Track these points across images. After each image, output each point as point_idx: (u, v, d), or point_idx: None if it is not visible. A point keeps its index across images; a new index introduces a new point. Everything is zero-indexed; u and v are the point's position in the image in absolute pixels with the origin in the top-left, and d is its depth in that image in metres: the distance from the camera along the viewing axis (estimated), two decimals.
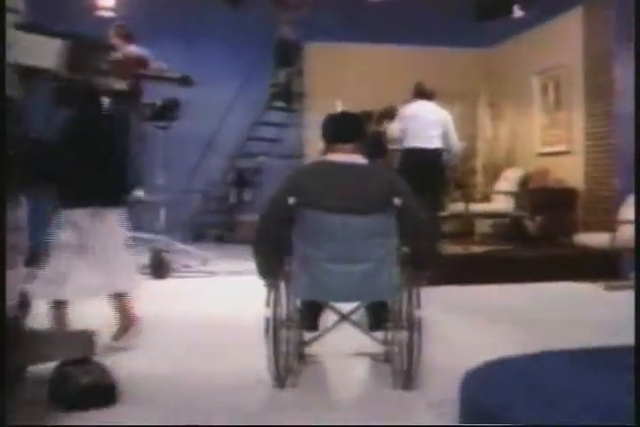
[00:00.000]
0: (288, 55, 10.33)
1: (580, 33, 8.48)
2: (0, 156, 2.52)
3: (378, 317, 3.33)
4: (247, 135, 10.92)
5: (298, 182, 2.93)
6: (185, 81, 6.57)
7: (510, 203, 8.02)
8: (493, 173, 9.77)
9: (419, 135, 7.10)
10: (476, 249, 7.55)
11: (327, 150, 3.11)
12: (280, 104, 10.88)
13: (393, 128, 7.39)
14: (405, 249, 2.97)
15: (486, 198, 8.61)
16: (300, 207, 2.84)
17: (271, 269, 3.03)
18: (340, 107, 8.84)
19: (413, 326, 2.94)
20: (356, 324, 3.35)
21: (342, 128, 3.10)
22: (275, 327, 2.99)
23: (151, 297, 4.74)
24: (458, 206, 8.17)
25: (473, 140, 10.19)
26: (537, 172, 8.87)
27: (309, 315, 3.26)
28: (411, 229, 2.93)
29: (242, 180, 10.96)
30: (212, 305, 5.64)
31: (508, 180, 8.28)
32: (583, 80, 8.50)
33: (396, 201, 2.83)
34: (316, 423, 2.77)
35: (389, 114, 8.74)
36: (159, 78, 6.63)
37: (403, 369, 3.11)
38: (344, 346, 3.83)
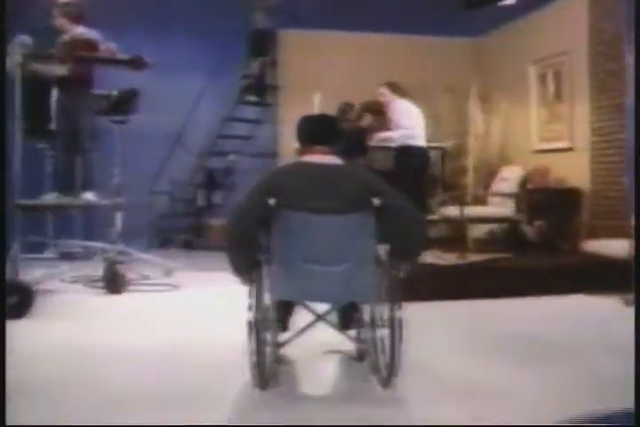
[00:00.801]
0: (262, 44, 9.50)
1: (586, 16, 7.65)
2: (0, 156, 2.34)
3: (348, 317, 3.40)
4: (217, 132, 9.94)
5: (277, 183, 2.86)
6: (136, 63, 5.61)
7: (509, 206, 7.12)
8: (487, 172, 8.97)
9: (419, 133, 6.81)
10: (473, 258, 6.66)
11: (302, 152, 3.09)
12: (253, 98, 9.92)
13: (400, 124, 6.71)
14: (389, 247, 2.92)
15: (480, 201, 7.70)
16: (280, 208, 2.79)
17: (247, 265, 2.97)
18: (318, 100, 8.25)
19: (394, 325, 2.92)
20: (331, 323, 3.36)
21: (317, 130, 3.11)
22: (257, 329, 2.95)
23: (96, 318, 3.91)
24: (448, 210, 7.24)
25: (463, 136, 9.44)
26: (536, 170, 8.03)
27: (281, 315, 3.25)
28: (399, 228, 2.88)
29: (212, 180, 10.04)
30: (172, 328, 4.73)
31: (506, 180, 7.41)
32: (588, 69, 7.69)
33: (375, 201, 2.78)
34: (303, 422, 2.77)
35: (372, 108, 8.17)
36: (106, 61, 5.69)
37: (381, 368, 3.17)
38: (316, 345, 3.75)
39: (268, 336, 3.07)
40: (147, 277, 6.78)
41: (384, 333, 3.03)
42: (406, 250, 3.01)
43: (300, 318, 3.56)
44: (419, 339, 3.59)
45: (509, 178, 7.35)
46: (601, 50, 7.43)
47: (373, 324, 3.18)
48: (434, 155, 8.44)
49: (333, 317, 3.51)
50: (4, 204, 4.38)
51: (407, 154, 6.65)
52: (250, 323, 2.94)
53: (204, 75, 9.63)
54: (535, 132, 8.69)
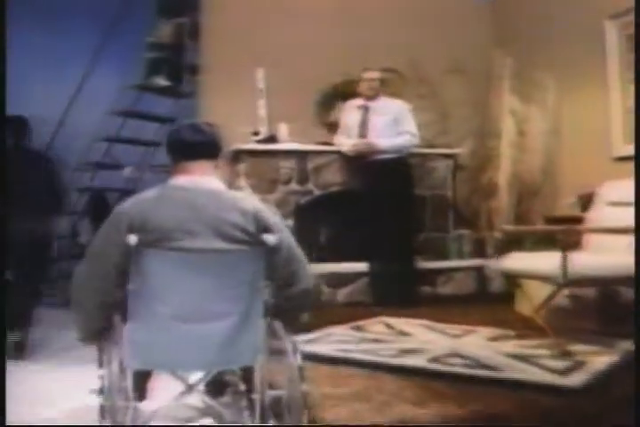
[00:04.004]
0: None
1: None
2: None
3: (219, 381, 2.87)
4: (106, 134, 7.13)
5: (138, 215, 2.36)
6: None
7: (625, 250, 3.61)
8: (528, 192, 5.95)
9: None
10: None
11: (174, 171, 2.52)
12: (162, 81, 6.86)
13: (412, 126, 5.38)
14: (278, 296, 2.50)
15: (545, 241, 4.33)
16: (142, 248, 2.32)
17: (96, 329, 2.51)
18: (261, 81, 5.75)
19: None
20: (205, 393, 2.79)
21: (191, 141, 2.53)
22: (112, 410, 2.46)
23: None
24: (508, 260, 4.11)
25: (485, 138, 6.21)
26: None
27: (137, 382, 2.57)
28: (288, 273, 2.49)
29: (99, 206, 7.05)
30: None
31: (620, 204, 4.03)
32: None
33: (269, 238, 2.37)
34: None
35: (347, 93, 5.82)
36: None
37: None
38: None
39: (128, 411, 2.49)
40: None
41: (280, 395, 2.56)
42: (294, 303, 2.56)
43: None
44: None
45: (626, 200, 3.94)
46: None
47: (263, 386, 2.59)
48: (440, 166, 5.93)
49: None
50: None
51: (408, 167, 5.43)
52: (102, 408, 2.53)
53: (89, 42, 6.92)
54: (619, 129, 5.31)
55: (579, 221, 4.62)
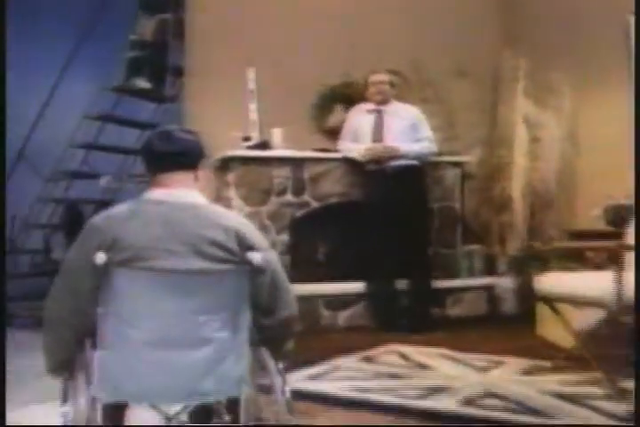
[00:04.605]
0: None
1: None
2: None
3: (204, 409, 2.54)
4: (82, 140, 6.67)
5: (109, 233, 2.24)
6: None
7: None
8: (542, 203, 5.52)
9: None
10: None
11: (151, 184, 2.38)
12: (144, 83, 6.41)
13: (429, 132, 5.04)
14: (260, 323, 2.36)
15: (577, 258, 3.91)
16: (113, 268, 2.21)
17: (68, 357, 2.37)
18: (253, 82, 5.27)
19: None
20: (188, 421, 2.53)
21: (163, 151, 2.36)
22: None
23: None
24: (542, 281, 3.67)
25: (495, 145, 5.75)
26: None
27: (109, 416, 2.42)
28: (272, 298, 2.34)
29: (74, 219, 6.60)
30: None
31: None
32: None
33: (254, 256, 2.21)
34: None
35: (347, 95, 5.55)
36: None
37: None
38: None
39: None
40: None
41: None
42: (277, 331, 2.40)
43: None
44: None
45: None
46: None
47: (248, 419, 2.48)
48: (448, 175, 5.48)
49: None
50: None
51: (424, 176, 5.08)
52: None
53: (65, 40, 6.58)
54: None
55: (608, 236, 4.18)
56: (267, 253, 2.33)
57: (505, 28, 6.33)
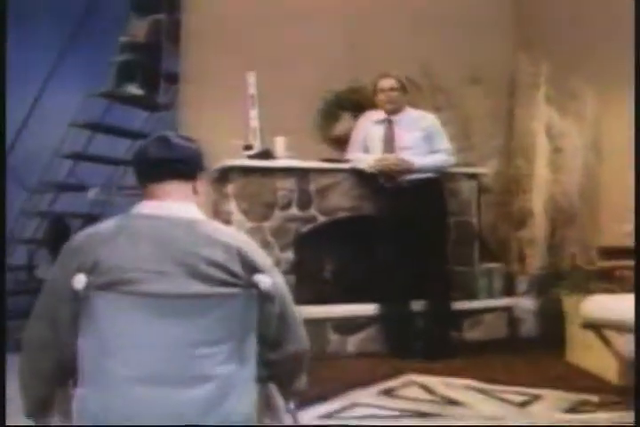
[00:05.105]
0: None
1: None
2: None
3: None
4: (69, 149, 6.40)
5: (90, 252, 2.04)
6: None
7: None
8: (564, 218, 5.18)
9: None
10: None
11: (143, 195, 2.19)
12: (135, 90, 6.08)
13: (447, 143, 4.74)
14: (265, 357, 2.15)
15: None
16: (95, 292, 1.98)
17: (45, 397, 2.21)
18: (253, 87, 4.99)
19: None
20: None
21: (159, 158, 2.19)
22: None
23: None
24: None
25: (512, 156, 5.48)
26: None
27: None
28: (280, 329, 2.13)
29: (59, 234, 6.32)
30: None
31: None
32: None
33: (261, 280, 2.00)
34: None
35: (354, 102, 5.28)
36: None
37: None
38: None
39: None
40: None
41: None
42: (285, 367, 2.20)
43: None
44: None
45: None
46: None
47: None
48: (463, 187, 5.18)
49: None
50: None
51: (442, 189, 4.78)
52: None
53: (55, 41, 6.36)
54: None
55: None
56: (274, 276, 2.13)
57: (520, 31, 6.06)
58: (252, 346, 2.12)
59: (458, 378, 3.66)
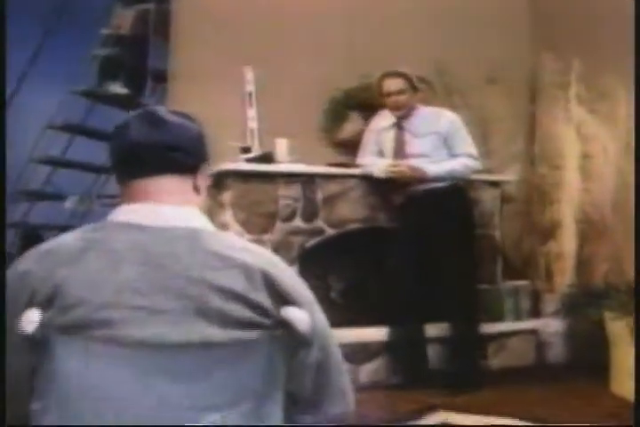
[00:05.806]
0: None
1: None
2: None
3: None
4: (45, 154, 6.34)
5: (46, 279, 1.50)
6: None
7: None
8: (595, 230, 4.80)
9: None
10: None
11: (123, 197, 1.66)
12: (119, 89, 5.89)
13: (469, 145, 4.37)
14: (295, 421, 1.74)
15: None
16: (54, 337, 1.48)
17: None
18: (251, 83, 4.75)
19: None
20: None
21: (147, 142, 1.64)
22: None
23: None
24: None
25: (536, 162, 5.14)
26: None
27: None
28: (317, 384, 1.67)
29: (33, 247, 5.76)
30: None
31: None
32: None
33: (296, 316, 1.53)
34: None
35: (364, 101, 4.88)
36: None
37: None
38: None
39: None
40: None
41: None
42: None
43: None
44: None
45: None
46: None
47: None
48: (485, 197, 4.87)
49: None
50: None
51: (465, 197, 4.44)
52: None
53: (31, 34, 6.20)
54: None
55: None
56: (313, 311, 1.64)
57: (542, 29, 5.75)
58: (276, 408, 1.64)
59: (495, 417, 3.22)
